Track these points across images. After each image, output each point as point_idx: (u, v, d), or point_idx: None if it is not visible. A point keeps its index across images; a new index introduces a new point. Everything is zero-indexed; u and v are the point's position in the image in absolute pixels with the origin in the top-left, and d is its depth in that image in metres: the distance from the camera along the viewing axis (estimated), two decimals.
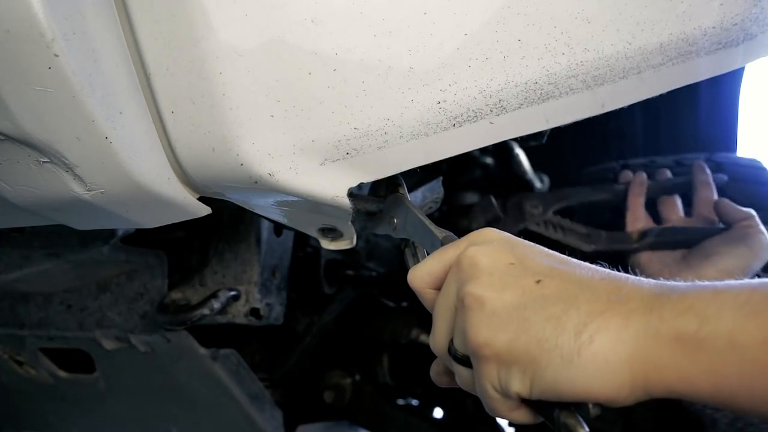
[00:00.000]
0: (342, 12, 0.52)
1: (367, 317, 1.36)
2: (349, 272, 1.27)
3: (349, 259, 1.29)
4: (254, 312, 0.98)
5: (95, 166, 0.51)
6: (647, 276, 0.91)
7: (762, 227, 0.89)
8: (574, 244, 0.97)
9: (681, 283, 0.43)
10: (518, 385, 0.44)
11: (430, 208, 0.80)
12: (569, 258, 0.49)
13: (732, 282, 0.41)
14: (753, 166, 1.20)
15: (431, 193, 0.78)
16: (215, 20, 0.50)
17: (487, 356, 0.45)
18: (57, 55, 0.44)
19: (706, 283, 0.42)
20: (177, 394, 1.16)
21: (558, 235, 0.96)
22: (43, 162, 0.51)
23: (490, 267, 0.47)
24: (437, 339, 0.52)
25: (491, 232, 0.52)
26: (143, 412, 1.25)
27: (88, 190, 0.53)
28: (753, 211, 0.91)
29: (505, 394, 0.46)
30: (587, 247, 0.96)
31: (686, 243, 0.93)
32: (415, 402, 1.46)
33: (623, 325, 0.41)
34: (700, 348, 0.38)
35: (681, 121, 1.75)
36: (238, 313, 0.98)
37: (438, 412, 1.46)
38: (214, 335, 1.07)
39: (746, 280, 0.41)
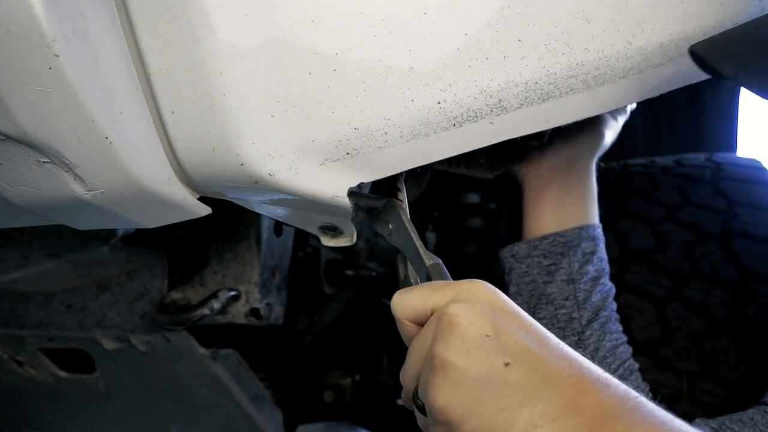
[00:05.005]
0: (342, 12, 0.52)
1: (367, 317, 1.36)
2: (349, 272, 1.27)
3: (349, 259, 1.29)
4: (254, 312, 0.98)
5: (95, 166, 0.51)
6: (524, 164, 0.95)
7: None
8: (478, 174, 0.96)
9: (637, 409, 0.43)
10: None
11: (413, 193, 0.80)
12: (548, 336, 0.49)
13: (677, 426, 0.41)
14: (753, 166, 1.20)
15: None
16: (215, 20, 0.50)
17: (440, 421, 0.47)
18: (57, 56, 0.44)
19: (658, 419, 0.42)
20: (177, 394, 1.16)
21: (461, 169, 0.95)
22: (43, 162, 0.51)
23: (465, 333, 0.47)
24: (406, 379, 0.54)
25: (480, 290, 0.52)
26: (143, 412, 1.25)
27: (88, 190, 0.53)
28: None
29: None
30: (490, 174, 0.96)
31: (556, 133, 0.97)
32: None
33: None
34: None
35: (681, 121, 1.75)
36: (238, 313, 0.98)
37: None
38: (214, 335, 1.06)
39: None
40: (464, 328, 0.48)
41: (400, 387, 0.55)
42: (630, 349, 0.88)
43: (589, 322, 0.85)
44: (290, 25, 0.51)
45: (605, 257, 0.91)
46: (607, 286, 0.89)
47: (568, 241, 0.89)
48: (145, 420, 1.27)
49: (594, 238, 0.90)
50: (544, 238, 0.91)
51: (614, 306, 0.89)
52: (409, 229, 0.62)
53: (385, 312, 1.38)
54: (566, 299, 0.87)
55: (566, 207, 0.92)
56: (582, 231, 0.90)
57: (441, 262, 0.58)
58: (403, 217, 0.63)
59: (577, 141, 0.97)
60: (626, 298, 1.01)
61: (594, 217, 0.93)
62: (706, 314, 0.96)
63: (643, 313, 0.99)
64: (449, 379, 0.46)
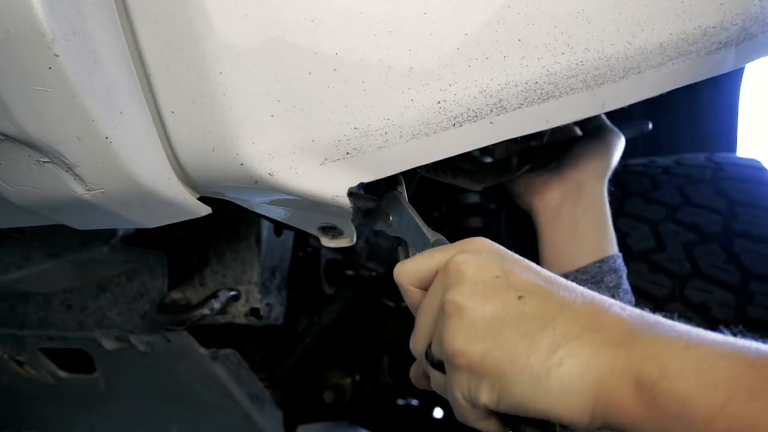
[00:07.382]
0: (342, 12, 0.52)
1: (367, 317, 1.36)
2: (349, 272, 1.27)
3: (349, 259, 1.29)
4: (254, 312, 0.98)
5: (95, 166, 0.51)
6: (530, 195, 0.90)
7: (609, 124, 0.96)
8: (465, 184, 0.92)
9: (659, 323, 0.42)
10: (486, 397, 0.45)
11: None
12: (556, 277, 0.49)
13: (706, 337, 0.40)
14: (753, 166, 1.20)
15: None
16: (215, 20, 0.50)
17: (459, 365, 0.46)
18: (57, 55, 0.44)
19: (683, 329, 0.41)
20: (177, 394, 1.16)
21: (448, 178, 0.92)
22: (43, 162, 0.51)
23: (475, 276, 0.47)
24: (417, 340, 0.53)
25: (482, 242, 0.52)
26: (143, 412, 1.25)
27: (88, 190, 0.53)
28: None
29: (474, 404, 0.46)
30: (477, 186, 0.92)
31: (558, 156, 0.92)
32: (415, 402, 1.46)
33: (593, 354, 0.41)
34: (654, 402, 0.39)
35: (681, 121, 1.75)
36: (238, 313, 0.99)
37: (438, 412, 1.46)
38: (214, 335, 1.06)
39: (721, 339, 0.40)
40: (473, 272, 0.48)
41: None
42: None
43: None
44: (290, 25, 0.51)
45: (629, 289, 0.85)
46: None
47: (590, 278, 0.83)
48: (145, 420, 1.27)
49: (616, 270, 0.83)
50: (565, 276, 0.87)
51: None
52: (410, 211, 0.61)
53: (385, 312, 1.39)
54: None
55: (580, 237, 0.85)
56: (603, 264, 0.83)
57: (445, 238, 0.58)
58: (403, 202, 0.63)
59: (584, 164, 0.89)
60: None
61: (612, 245, 0.86)
62: (706, 314, 0.96)
63: None
64: (464, 321, 0.46)
